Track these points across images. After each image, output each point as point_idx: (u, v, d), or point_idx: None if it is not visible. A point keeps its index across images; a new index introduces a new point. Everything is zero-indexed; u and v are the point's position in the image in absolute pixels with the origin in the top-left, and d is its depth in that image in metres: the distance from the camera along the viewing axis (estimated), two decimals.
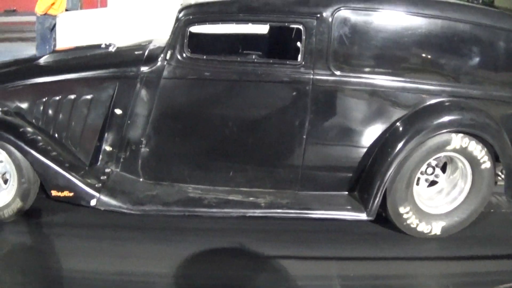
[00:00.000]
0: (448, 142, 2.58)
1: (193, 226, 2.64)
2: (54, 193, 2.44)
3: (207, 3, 2.52)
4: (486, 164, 2.66)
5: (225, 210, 2.51)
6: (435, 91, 2.58)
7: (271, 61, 2.55)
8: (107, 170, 2.63)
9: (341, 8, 2.44)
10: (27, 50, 6.81)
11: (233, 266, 2.39)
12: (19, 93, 2.58)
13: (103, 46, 2.79)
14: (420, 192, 2.76)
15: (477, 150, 2.62)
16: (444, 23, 2.54)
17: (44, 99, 2.56)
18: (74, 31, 5.48)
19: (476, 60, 2.63)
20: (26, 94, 2.58)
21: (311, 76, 2.46)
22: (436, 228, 2.68)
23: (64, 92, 2.56)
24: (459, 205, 2.74)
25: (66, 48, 2.88)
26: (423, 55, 2.59)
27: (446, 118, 2.53)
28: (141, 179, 2.63)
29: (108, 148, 2.63)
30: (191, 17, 2.44)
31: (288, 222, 2.68)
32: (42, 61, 2.72)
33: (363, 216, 2.58)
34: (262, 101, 2.53)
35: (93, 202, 2.44)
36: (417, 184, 2.76)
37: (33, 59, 2.77)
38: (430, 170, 2.76)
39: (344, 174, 2.67)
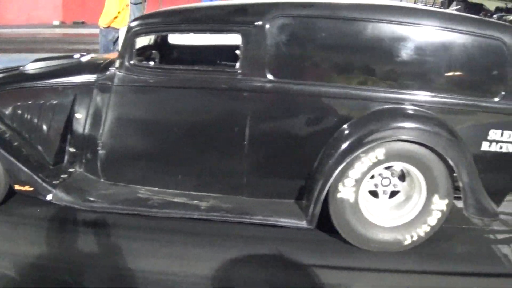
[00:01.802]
0: (395, 151, 2.47)
1: (236, 232, 2.74)
2: (17, 187, 2.71)
3: (154, 15, 2.66)
4: (441, 178, 2.51)
5: (165, 210, 2.61)
6: (379, 98, 2.49)
7: (211, 69, 2.62)
8: (71, 170, 2.86)
9: (278, 16, 2.45)
10: None
11: (269, 271, 2.48)
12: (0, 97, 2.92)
13: (76, 56, 3.05)
14: (377, 203, 2.67)
15: (431, 161, 2.48)
16: (386, 27, 2.46)
17: (18, 103, 2.85)
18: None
19: (426, 65, 2.52)
20: (5, 99, 2.89)
21: (249, 83, 2.50)
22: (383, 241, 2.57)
23: (35, 98, 2.83)
24: (411, 220, 2.60)
25: (46, 57, 3.18)
26: (366, 61, 2.53)
27: (388, 126, 2.43)
28: (101, 180, 2.82)
29: (72, 150, 2.86)
30: (138, 29, 2.60)
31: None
32: (24, 68, 3.03)
33: (303, 223, 2.55)
34: (203, 108, 2.60)
35: (49, 197, 2.67)
36: (376, 197, 2.67)
37: (18, 67, 3.10)
38: (386, 181, 2.66)
39: (290, 181, 2.66)
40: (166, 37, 3.22)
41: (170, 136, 2.67)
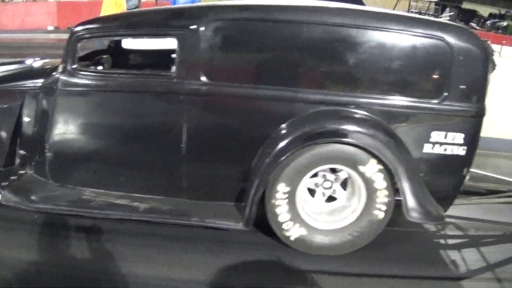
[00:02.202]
0: (332, 154, 2.50)
1: (234, 238, 2.77)
2: None
3: (95, 21, 2.72)
4: (380, 183, 2.52)
5: (106, 212, 2.66)
6: (315, 100, 2.51)
7: (148, 72, 2.68)
8: (21, 172, 2.92)
9: (213, 20, 2.50)
10: None
11: (266, 277, 2.52)
12: None
13: (29, 61, 3.12)
14: (314, 204, 2.70)
15: (369, 167, 2.50)
16: (322, 29, 2.48)
17: None
18: None
19: (364, 66, 2.52)
20: None
21: (184, 86, 2.54)
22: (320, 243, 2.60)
23: None
24: (349, 224, 2.62)
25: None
26: (301, 63, 2.55)
27: (323, 128, 2.46)
28: (49, 182, 2.88)
29: (22, 152, 2.92)
30: (80, 34, 2.66)
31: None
32: None
33: (239, 226, 2.58)
34: (142, 111, 2.65)
35: None
36: (313, 196, 2.70)
37: None
38: (327, 184, 2.68)
39: (229, 184, 2.70)
40: (119, 41, 3.28)
41: (111, 139, 2.72)
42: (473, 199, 3.26)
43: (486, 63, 2.52)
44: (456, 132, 2.54)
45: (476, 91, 2.52)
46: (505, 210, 3.38)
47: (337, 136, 2.45)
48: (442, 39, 2.46)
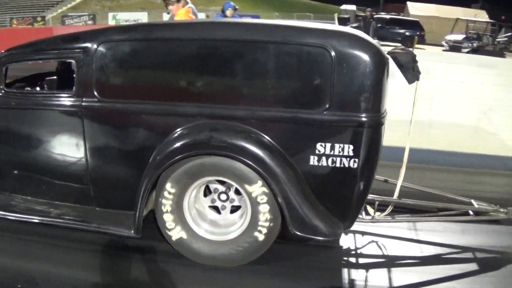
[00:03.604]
0: (212, 166, 2.58)
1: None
2: None
3: (16, 47, 3.00)
4: (261, 197, 2.55)
5: (24, 216, 2.93)
6: (192, 113, 2.61)
7: (55, 92, 2.94)
8: None
9: (102, 42, 2.69)
10: None
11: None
12: None
13: None
14: (211, 214, 2.80)
15: (255, 187, 2.54)
16: (196, 44, 2.59)
17: None
18: None
19: (244, 78, 2.58)
20: None
21: (81, 103, 2.76)
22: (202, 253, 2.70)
23: None
24: (234, 238, 2.67)
25: None
26: (179, 77, 2.67)
27: (191, 141, 2.55)
28: None
29: None
30: (4, 59, 2.98)
31: None
32: None
33: (131, 233, 2.74)
34: (50, 126, 2.91)
35: None
36: (219, 212, 2.81)
37: None
38: (223, 197, 2.77)
39: (126, 193, 2.83)
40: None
41: (31, 151, 2.99)
42: (402, 216, 3.13)
43: (377, 70, 2.43)
44: (344, 143, 2.48)
45: (365, 100, 2.44)
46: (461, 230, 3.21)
47: (211, 148, 2.53)
48: (324, 47, 2.42)
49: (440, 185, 3.83)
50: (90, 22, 24.27)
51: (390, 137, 3.05)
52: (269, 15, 25.20)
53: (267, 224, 2.59)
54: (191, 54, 2.60)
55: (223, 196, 2.78)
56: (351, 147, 2.48)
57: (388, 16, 21.90)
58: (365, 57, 2.42)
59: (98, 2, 34.22)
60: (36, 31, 15.77)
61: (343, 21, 21.62)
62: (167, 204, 2.68)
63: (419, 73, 2.96)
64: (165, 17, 15.10)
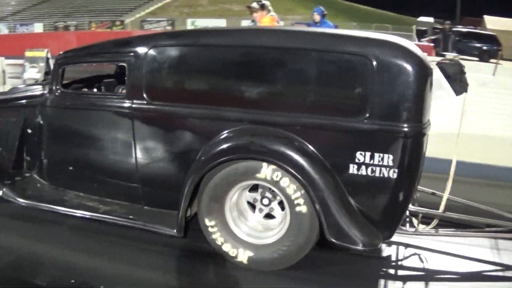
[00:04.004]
0: (256, 170, 2.62)
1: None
2: None
3: (71, 51, 3.21)
4: (302, 207, 2.56)
5: (74, 211, 3.10)
6: (235, 117, 2.67)
7: (107, 93, 3.09)
8: (27, 174, 3.53)
9: (152, 46, 2.82)
10: None
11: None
12: None
13: (34, 83, 3.76)
14: (251, 218, 2.84)
15: (291, 188, 2.55)
16: (242, 50, 2.66)
17: None
18: None
19: (288, 86, 2.62)
20: None
21: (131, 105, 2.90)
22: (242, 255, 2.73)
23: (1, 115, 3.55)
24: (272, 243, 2.69)
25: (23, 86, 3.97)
26: (224, 83, 2.74)
27: (231, 145, 2.61)
28: (46, 183, 3.43)
29: (28, 158, 3.53)
30: (61, 61, 3.18)
31: None
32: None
33: (173, 232, 2.83)
34: (103, 127, 3.06)
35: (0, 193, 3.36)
36: (254, 212, 2.84)
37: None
38: (265, 201, 2.80)
39: (174, 193, 2.88)
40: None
41: (85, 149, 3.16)
42: (444, 230, 3.04)
43: (419, 80, 2.41)
44: (384, 153, 2.46)
45: (406, 110, 2.42)
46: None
47: (250, 153, 2.58)
48: (365, 56, 2.42)
49: (488, 200, 3.68)
50: (169, 27, 24.64)
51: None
52: (347, 26, 24.57)
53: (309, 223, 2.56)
54: (236, 61, 2.68)
55: (265, 201, 2.81)
56: (391, 157, 2.45)
57: (465, 30, 21.60)
58: (406, 66, 2.40)
59: (176, 8, 34.47)
60: (116, 35, 16.21)
61: (420, 34, 21.41)
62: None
63: (467, 84, 2.89)
64: (244, 24, 14.75)
